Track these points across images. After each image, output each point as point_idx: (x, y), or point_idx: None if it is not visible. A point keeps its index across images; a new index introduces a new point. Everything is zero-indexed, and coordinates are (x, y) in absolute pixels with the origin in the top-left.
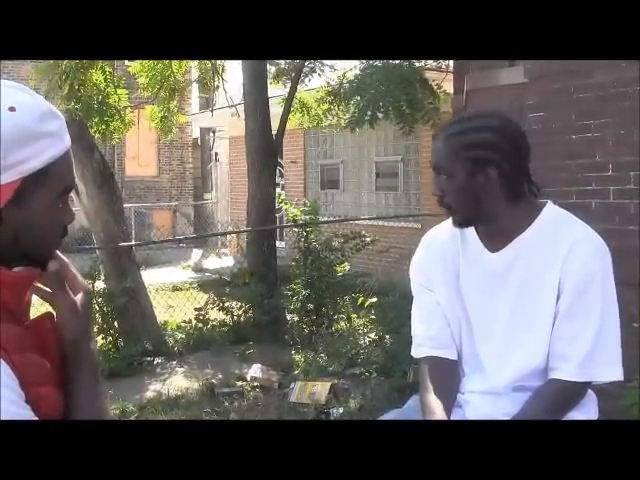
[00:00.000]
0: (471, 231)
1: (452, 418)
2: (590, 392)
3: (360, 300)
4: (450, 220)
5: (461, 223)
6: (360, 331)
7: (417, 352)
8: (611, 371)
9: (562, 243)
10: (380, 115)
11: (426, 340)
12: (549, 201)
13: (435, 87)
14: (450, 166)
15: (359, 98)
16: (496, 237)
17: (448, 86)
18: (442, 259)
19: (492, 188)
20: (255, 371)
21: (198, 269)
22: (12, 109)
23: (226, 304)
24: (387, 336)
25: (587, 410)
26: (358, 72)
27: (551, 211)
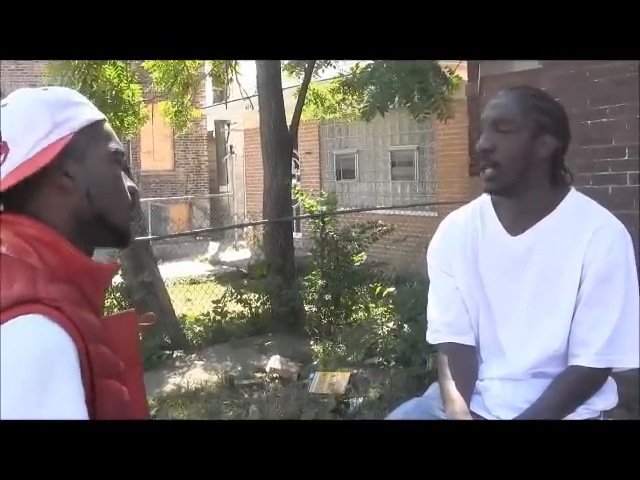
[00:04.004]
0: (491, 214)
1: (471, 405)
2: (610, 378)
3: (378, 290)
4: (469, 205)
5: (497, 188)
6: (378, 321)
7: (434, 338)
8: (632, 358)
9: (585, 229)
10: (391, 104)
11: (443, 326)
12: (572, 187)
13: (447, 73)
14: (516, 121)
15: (372, 87)
16: (517, 220)
17: (462, 73)
18: (461, 243)
19: (545, 158)
20: (274, 363)
21: (215, 262)
22: (45, 89)
23: (244, 296)
24: (406, 325)
25: (607, 397)
26: (371, 61)
27: (574, 197)
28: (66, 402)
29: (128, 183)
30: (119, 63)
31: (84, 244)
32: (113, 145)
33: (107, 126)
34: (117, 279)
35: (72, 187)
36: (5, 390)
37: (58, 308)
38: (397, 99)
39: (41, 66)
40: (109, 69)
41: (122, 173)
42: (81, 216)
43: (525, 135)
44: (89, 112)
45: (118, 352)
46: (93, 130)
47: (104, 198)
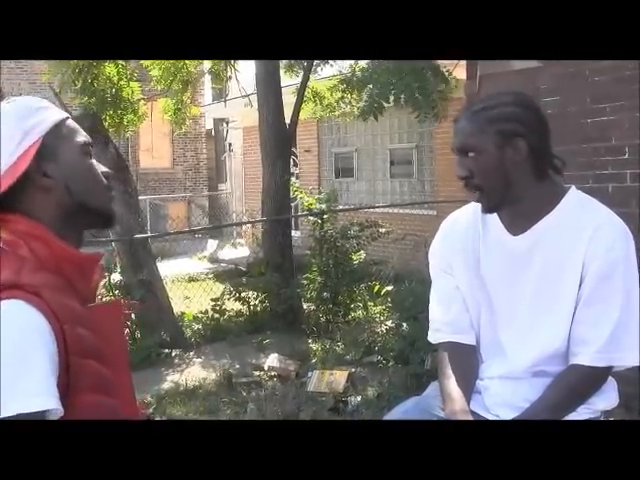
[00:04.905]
0: (492, 214)
1: (471, 404)
2: (610, 378)
3: (376, 288)
4: (470, 205)
5: (490, 207)
6: (377, 319)
7: (435, 337)
8: (632, 356)
9: (586, 227)
10: (391, 103)
11: (444, 325)
12: (572, 186)
13: (446, 74)
14: (478, 142)
15: (371, 86)
16: (518, 220)
17: (461, 72)
18: (462, 243)
19: (521, 162)
20: (272, 361)
21: (214, 260)
22: (9, 102)
23: (242, 294)
24: (404, 323)
25: (607, 396)
26: (370, 61)
27: (574, 196)
28: (36, 377)
29: (101, 169)
30: (119, 61)
31: (73, 233)
32: (81, 139)
33: (71, 122)
34: (116, 277)
35: (52, 185)
36: None
37: (36, 293)
38: (400, 98)
39: (41, 64)
40: (109, 67)
41: (93, 161)
42: (65, 208)
43: (491, 150)
44: (53, 114)
45: (105, 337)
46: (60, 129)
47: (82, 188)
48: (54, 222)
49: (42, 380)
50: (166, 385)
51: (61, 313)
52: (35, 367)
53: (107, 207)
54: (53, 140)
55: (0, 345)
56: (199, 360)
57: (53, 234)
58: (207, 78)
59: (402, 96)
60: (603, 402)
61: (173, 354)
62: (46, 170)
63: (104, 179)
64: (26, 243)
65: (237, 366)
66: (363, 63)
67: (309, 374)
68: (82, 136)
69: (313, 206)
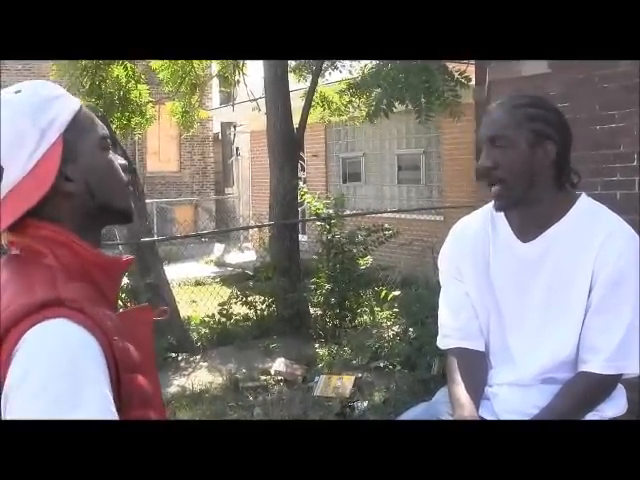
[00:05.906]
0: (502, 220)
1: (480, 411)
2: (619, 385)
3: (383, 293)
4: (480, 210)
5: (507, 203)
6: (384, 324)
7: (444, 343)
8: None
9: (596, 235)
10: (397, 105)
11: (453, 331)
12: (583, 193)
13: (457, 74)
14: (512, 135)
15: (380, 90)
16: (528, 226)
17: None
18: (472, 249)
19: (548, 165)
20: (279, 365)
21: (221, 264)
22: (18, 92)
23: (249, 298)
24: (411, 329)
25: (616, 403)
26: (378, 62)
27: (585, 203)
28: (97, 404)
29: (119, 161)
30: (127, 63)
31: (92, 234)
32: (98, 132)
33: (87, 112)
34: (123, 280)
35: (74, 189)
36: (36, 396)
37: (80, 309)
38: (405, 99)
39: (49, 66)
40: (117, 69)
41: (111, 155)
42: (87, 210)
43: (523, 147)
44: (69, 104)
45: (137, 345)
46: (77, 122)
47: (104, 188)
48: (75, 225)
49: (104, 407)
50: (172, 389)
51: (106, 327)
52: (95, 393)
53: (128, 204)
54: (73, 137)
55: (53, 370)
56: (205, 364)
57: (77, 238)
58: (215, 81)
59: (404, 97)
60: (612, 409)
61: (179, 358)
62: (68, 173)
63: (123, 174)
64: (51, 250)
65: (244, 370)
66: (371, 66)
67: (316, 379)
68: (100, 128)
69: (320, 211)
